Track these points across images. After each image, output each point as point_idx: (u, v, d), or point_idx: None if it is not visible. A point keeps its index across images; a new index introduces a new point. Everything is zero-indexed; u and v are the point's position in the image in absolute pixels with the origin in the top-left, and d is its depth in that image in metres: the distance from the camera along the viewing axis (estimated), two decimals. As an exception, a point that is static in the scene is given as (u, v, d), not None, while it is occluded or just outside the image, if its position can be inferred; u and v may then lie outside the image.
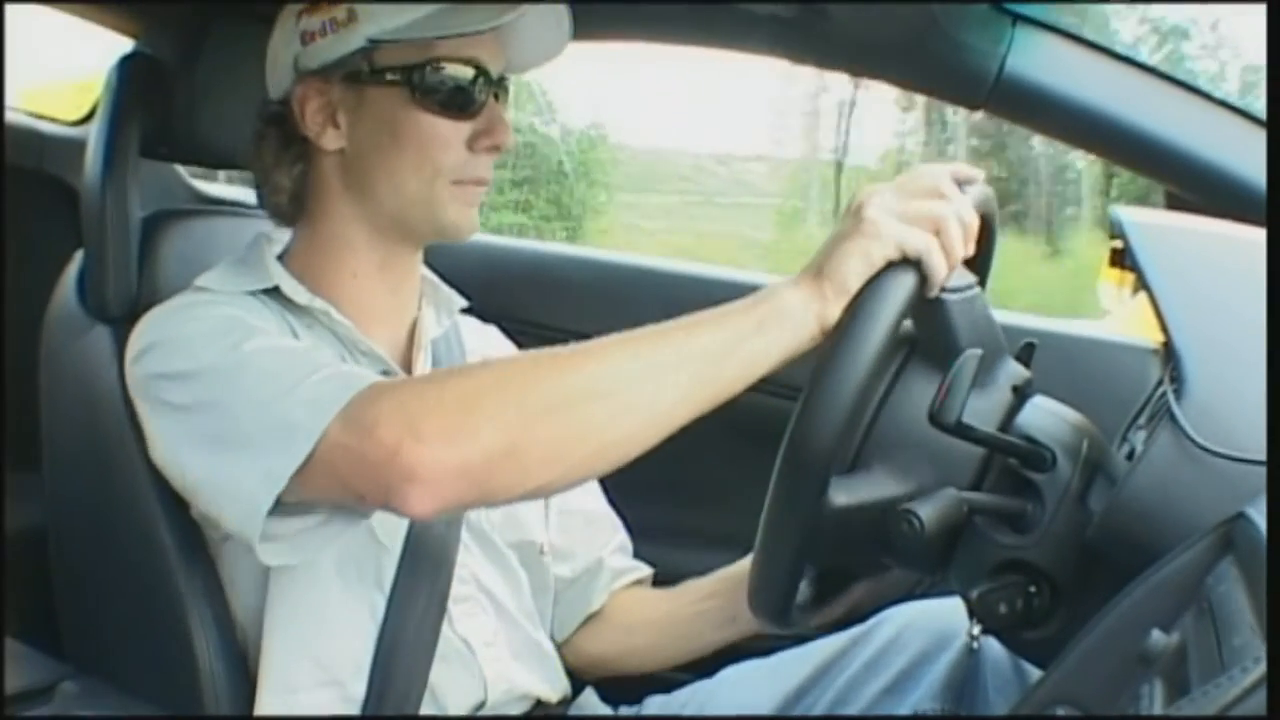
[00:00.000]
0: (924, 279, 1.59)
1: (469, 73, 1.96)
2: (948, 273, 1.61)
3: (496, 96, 2.01)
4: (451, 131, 1.95)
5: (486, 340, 2.34)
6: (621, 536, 2.40)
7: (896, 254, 1.58)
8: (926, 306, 1.66)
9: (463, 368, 1.92)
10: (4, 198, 2.80)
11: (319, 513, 1.77)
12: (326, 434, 1.66)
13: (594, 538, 2.35)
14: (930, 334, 1.70)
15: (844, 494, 1.61)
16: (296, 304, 1.99)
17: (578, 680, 2.25)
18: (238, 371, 1.77)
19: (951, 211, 1.60)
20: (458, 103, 1.95)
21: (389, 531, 1.95)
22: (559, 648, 2.30)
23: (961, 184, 1.67)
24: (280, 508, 1.71)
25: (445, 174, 1.96)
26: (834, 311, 1.59)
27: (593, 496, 2.36)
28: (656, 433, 1.64)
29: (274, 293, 2.00)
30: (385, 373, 2.00)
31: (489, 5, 1.93)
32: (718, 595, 2.23)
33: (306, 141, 2.01)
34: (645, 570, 2.41)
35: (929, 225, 1.59)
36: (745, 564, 2.05)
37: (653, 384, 1.61)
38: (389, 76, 1.94)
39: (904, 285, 1.58)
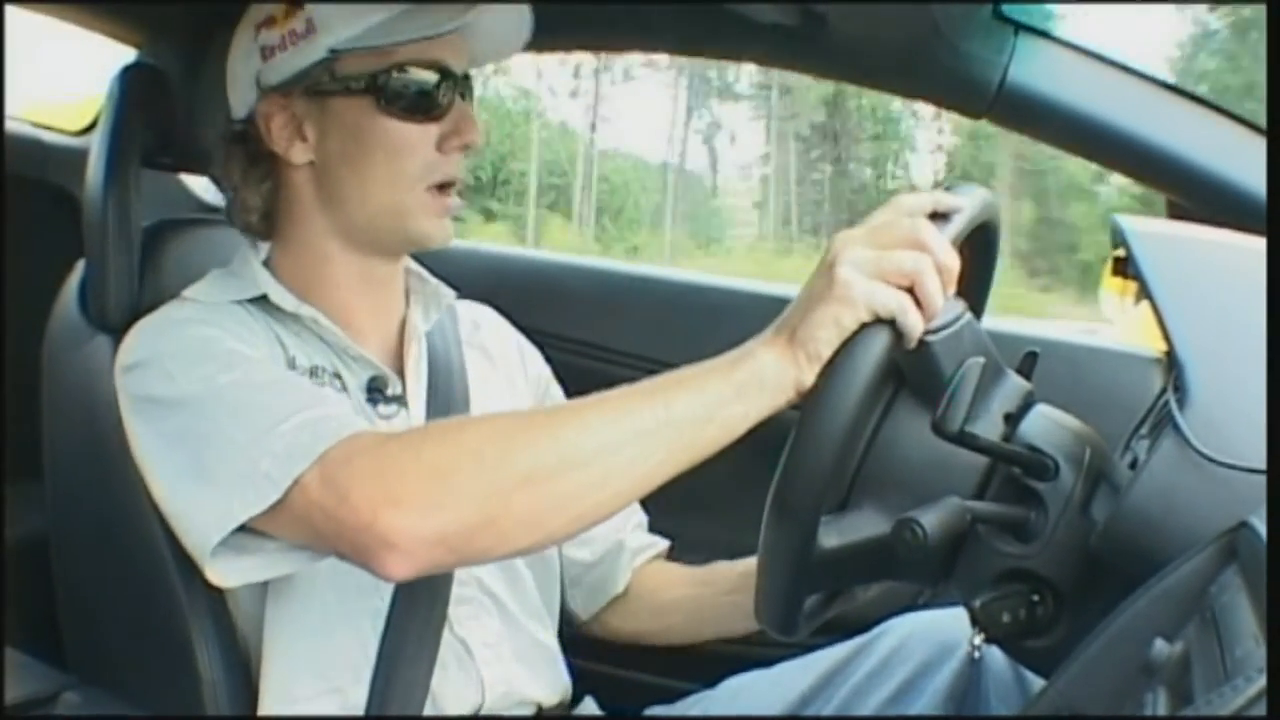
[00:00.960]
0: (900, 334, 1.57)
1: (432, 75, 1.96)
2: (926, 323, 1.59)
3: (463, 95, 2.00)
4: (419, 135, 1.95)
5: (479, 328, 2.33)
6: (639, 515, 2.40)
7: (869, 317, 1.55)
8: (909, 353, 1.65)
9: (438, 428, 1.86)
10: (4, 205, 2.80)
11: (275, 544, 1.77)
12: (301, 485, 1.65)
13: (614, 520, 2.33)
14: (916, 373, 1.69)
15: (834, 536, 1.63)
16: (284, 311, 1.99)
17: (577, 686, 2.25)
18: (212, 407, 1.77)
19: (928, 264, 1.56)
20: (423, 106, 1.95)
21: None
22: (585, 624, 2.32)
23: (942, 216, 1.64)
24: (247, 530, 1.71)
25: (416, 179, 1.96)
26: (808, 377, 1.57)
27: None
28: (633, 497, 1.65)
29: (261, 301, 2.00)
30: (376, 378, 2.02)
31: (447, 6, 1.93)
32: (744, 590, 2.23)
33: (274, 157, 2.01)
34: (663, 544, 2.42)
35: (904, 280, 1.55)
36: None
37: (630, 451, 1.60)
38: (352, 85, 1.94)
39: (877, 346, 1.56)
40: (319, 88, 1.95)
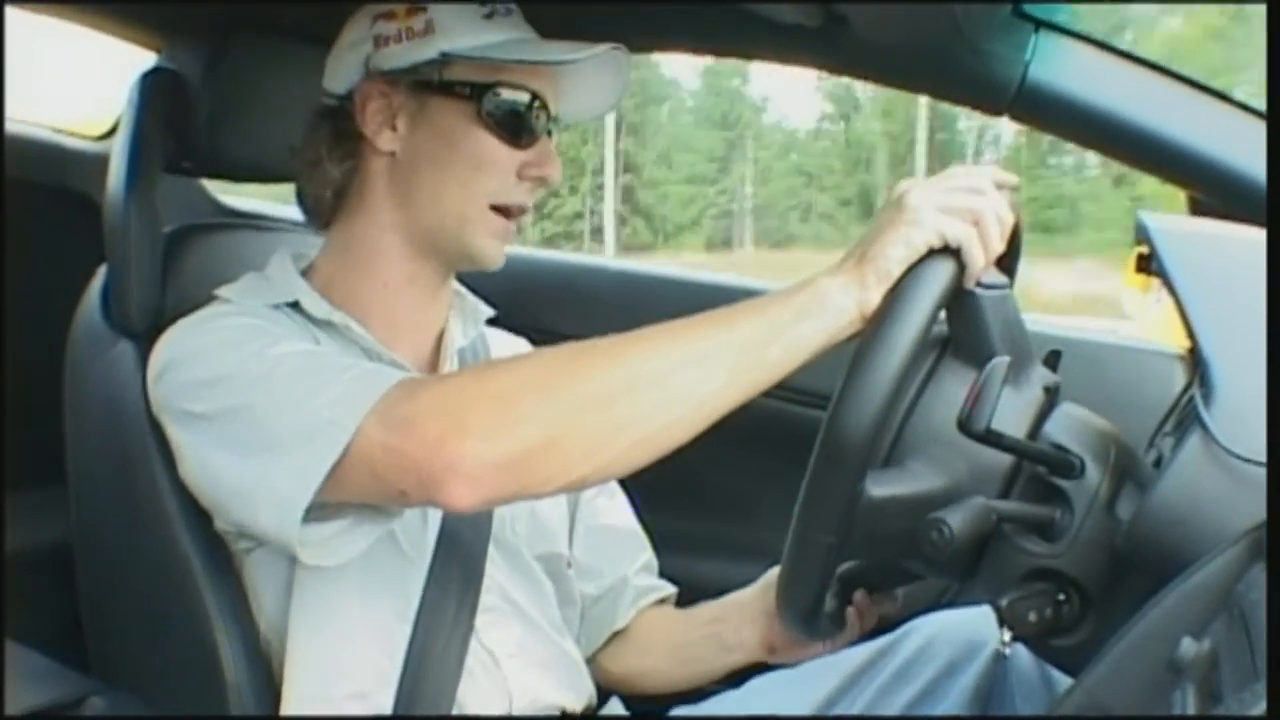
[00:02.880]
0: (962, 269, 1.62)
1: (534, 102, 1.99)
2: (984, 265, 1.63)
3: (550, 134, 2.03)
4: (506, 156, 1.98)
5: (515, 351, 2.33)
6: (647, 555, 2.40)
7: (938, 241, 1.61)
8: (961, 301, 1.67)
9: (502, 361, 1.94)
10: (4, 208, 2.80)
11: (347, 516, 1.78)
12: (362, 431, 1.66)
13: (620, 556, 2.35)
14: (964, 330, 1.70)
15: (879, 486, 1.62)
16: (317, 318, 1.99)
17: (603, 690, 2.25)
18: (265, 375, 1.77)
19: (990, 206, 1.64)
20: (517, 128, 1.98)
21: (415, 544, 1.96)
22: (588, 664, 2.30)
23: (998, 187, 1.69)
24: (309, 513, 1.71)
25: (489, 195, 1.98)
26: (874, 297, 1.62)
27: (621, 514, 2.37)
28: (699, 422, 1.65)
29: (295, 307, 2.00)
30: None
31: (562, 43, 1.96)
32: (722, 620, 2.24)
33: (360, 139, 2.02)
34: (669, 589, 2.41)
35: (968, 217, 1.63)
36: (752, 591, 2.09)
37: (694, 373, 1.62)
38: (457, 90, 1.96)
39: (943, 273, 1.60)
40: (425, 84, 1.98)
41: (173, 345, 1.90)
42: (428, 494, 1.64)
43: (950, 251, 1.62)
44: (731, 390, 1.63)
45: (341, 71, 2.05)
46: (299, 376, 1.76)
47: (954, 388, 1.67)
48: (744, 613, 2.19)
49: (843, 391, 1.54)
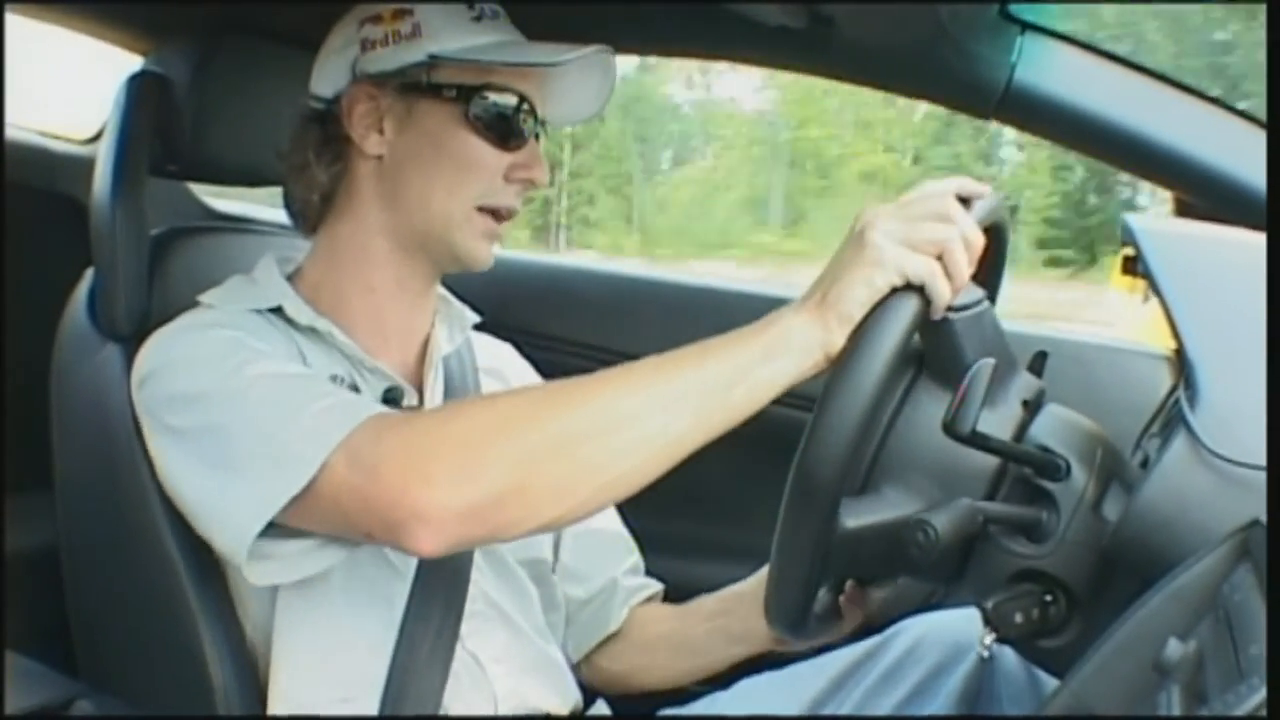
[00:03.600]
0: (928, 303, 1.59)
1: (521, 104, 1.99)
2: (951, 296, 1.61)
3: (537, 137, 2.04)
4: (493, 158, 1.97)
5: (498, 358, 2.34)
6: (635, 558, 2.40)
7: (900, 280, 1.58)
8: (933, 326, 1.66)
9: (467, 403, 1.91)
10: (4, 211, 2.80)
11: (312, 538, 1.79)
12: (329, 467, 1.66)
13: (608, 559, 2.35)
14: (938, 352, 1.70)
15: (854, 517, 1.63)
16: (300, 324, 1.99)
17: (590, 692, 2.25)
18: (239, 396, 1.77)
19: (956, 235, 1.60)
20: (504, 131, 1.98)
21: (390, 572, 1.96)
22: (576, 667, 2.30)
23: (968, 200, 1.67)
24: (275, 529, 1.72)
25: (476, 197, 1.98)
26: (838, 339, 1.59)
27: (607, 517, 2.36)
28: (665, 463, 1.64)
29: (279, 312, 2.00)
30: (392, 389, 2.01)
31: (550, 45, 1.96)
32: (728, 613, 2.23)
33: (347, 142, 2.02)
34: (657, 586, 2.41)
35: (933, 250, 1.59)
36: (754, 581, 2.08)
37: (660, 416, 1.62)
38: (445, 92, 1.96)
39: (907, 312, 1.58)
40: (412, 87, 1.97)
41: (154, 354, 1.90)
42: (393, 538, 1.64)
43: (915, 288, 1.59)
44: (697, 432, 1.63)
45: (329, 75, 2.04)
46: (272, 401, 1.75)
47: (930, 409, 1.67)
48: (750, 604, 2.17)
49: (809, 436, 1.54)
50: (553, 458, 1.60)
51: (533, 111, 2.01)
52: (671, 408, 1.61)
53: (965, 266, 1.60)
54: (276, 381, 1.79)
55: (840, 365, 1.56)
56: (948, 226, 1.60)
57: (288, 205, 2.09)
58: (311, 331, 1.99)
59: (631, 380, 1.64)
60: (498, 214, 2.01)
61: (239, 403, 1.76)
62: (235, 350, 1.83)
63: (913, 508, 1.63)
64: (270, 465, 1.70)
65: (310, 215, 2.07)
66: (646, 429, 1.61)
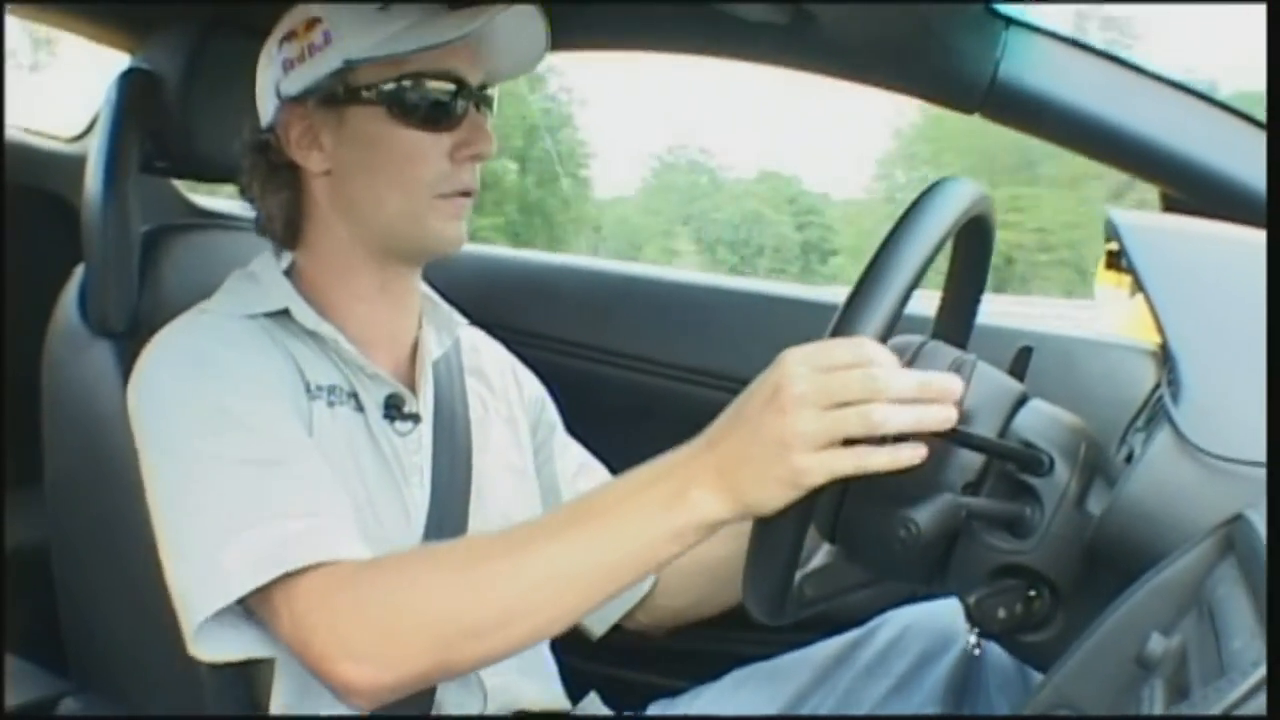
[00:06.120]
0: None
1: (446, 85, 1.96)
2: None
3: (478, 106, 2.01)
4: (431, 144, 1.95)
5: (478, 352, 2.32)
6: None
7: (827, 480, 1.52)
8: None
9: (388, 577, 1.75)
10: (4, 210, 2.80)
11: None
12: (264, 596, 1.71)
13: None
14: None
15: (812, 588, 1.71)
16: (303, 327, 1.98)
17: (581, 685, 2.25)
18: (199, 481, 1.78)
19: (896, 416, 1.51)
20: (436, 116, 1.95)
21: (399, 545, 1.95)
22: (616, 627, 2.31)
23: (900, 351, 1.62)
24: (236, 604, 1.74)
25: (428, 188, 1.96)
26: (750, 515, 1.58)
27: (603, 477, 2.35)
28: (573, 621, 1.70)
29: (280, 315, 1.99)
30: (393, 395, 2.02)
31: (457, 18, 1.93)
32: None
33: (294, 167, 2.01)
34: None
35: (872, 434, 1.51)
36: None
37: (572, 599, 1.65)
38: (365, 95, 1.94)
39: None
40: (333, 98, 1.95)
41: (150, 370, 1.90)
42: (328, 683, 1.70)
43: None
44: (603, 596, 1.67)
45: (263, 103, 2.04)
46: (229, 498, 1.76)
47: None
48: None
49: (745, 575, 1.60)
50: (470, 642, 1.66)
51: (462, 85, 1.98)
52: (584, 589, 1.64)
53: (900, 426, 1.52)
54: (239, 470, 1.78)
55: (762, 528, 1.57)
56: (881, 408, 1.50)
57: (259, 230, 2.08)
58: (312, 336, 1.99)
59: (547, 564, 1.64)
60: (458, 195, 1.99)
61: (198, 487, 1.78)
62: (211, 410, 1.82)
63: (867, 578, 1.67)
64: (206, 570, 1.73)
65: (282, 238, 2.06)
66: (559, 611, 1.66)
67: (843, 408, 1.49)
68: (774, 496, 1.53)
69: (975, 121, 2.40)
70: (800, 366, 1.51)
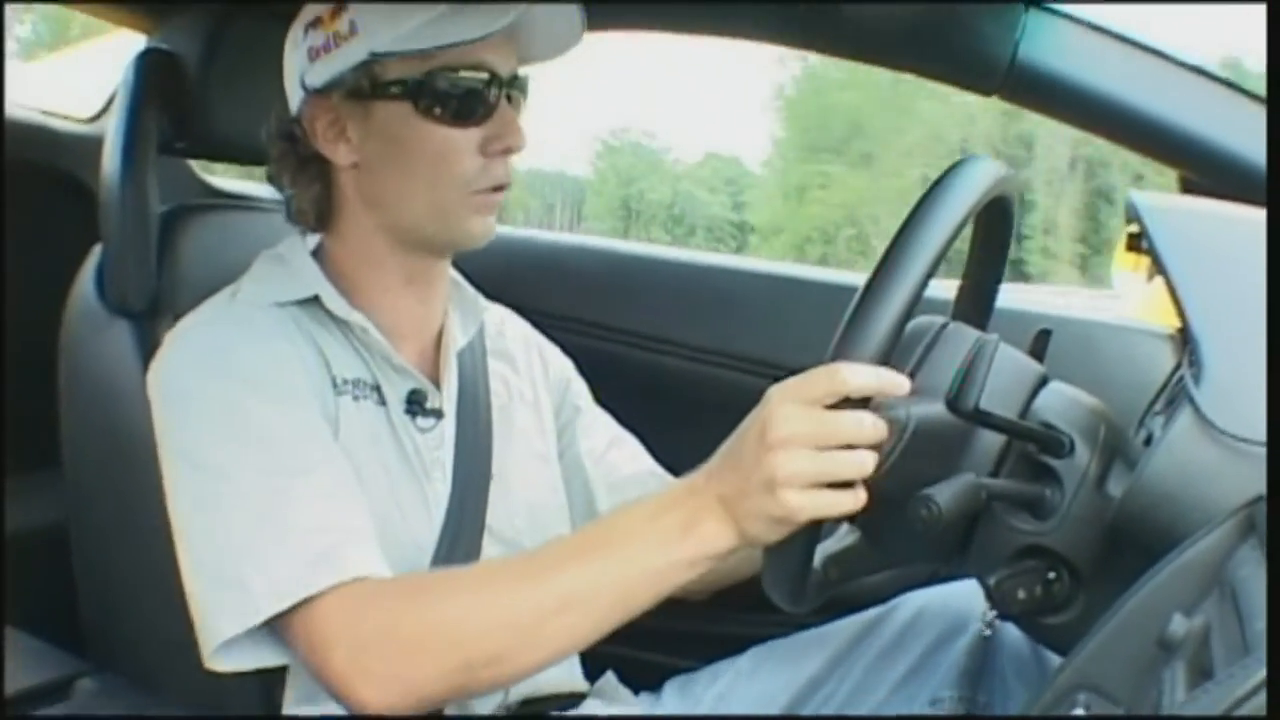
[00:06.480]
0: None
1: (474, 79, 1.91)
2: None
3: (509, 98, 1.96)
4: (461, 139, 1.91)
5: (503, 335, 2.30)
6: (672, 483, 2.33)
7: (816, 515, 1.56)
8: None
9: (415, 599, 1.76)
10: (4, 193, 2.80)
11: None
12: (284, 621, 1.72)
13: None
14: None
15: (834, 570, 1.73)
16: (332, 315, 1.97)
17: (599, 666, 2.24)
18: (227, 496, 1.78)
19: (865, 462, 1.54)
20: (464, 111, 1.91)
21: (418, 536, 1.96)
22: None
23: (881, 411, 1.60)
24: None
25: (461, 184, 1.92)
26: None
27: (638, 459, 2.34)
28: (587, 645, 1.73)
29: (309, 302, 1.97)
30: (415, 391, 2.01)
31: (488, 8, 1.88)
32: None
33: (323, 159, 1.98)
34: None
35: (856, 476, 1.54)
36: None
37: (587, 628, 1.68)
38: (392, 90, 1.90)
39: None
40: (358, 92, 1.92)
41: (174, 365, 1.89)
42: (345, 703, 1.71)
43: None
44: (617, 622, 1.69)
45: (291, 92, 2.01)
46: (253, 516, 1.76)
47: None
48: None
49: (765, 561, 1.62)
50: (493, 667, 1.68)
51: (492, 76, 1.92)
52: (602, 617, 1.67)
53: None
54: (266, 483, 1.78)
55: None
56: (863, 456, 1.54)
57: (288, 218, 2.06)
58: (340, 324, 1.98)
59: (569, 596, 1.66)
60: (491, 190, 1.96)
61: (224, 504, 1.78)
62: (234, 412, 1.81)
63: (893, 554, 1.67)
64: (228, 590, 1.74)
65: (312, 223, 2.04)
66: (574, 639, 1.70)
67: (834, 451, 1.53)
68: (770, 531, 1.57)
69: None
70: (786, 406, 1.54)
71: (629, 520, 1.68)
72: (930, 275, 1.53)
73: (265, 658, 1.78)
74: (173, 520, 1.82)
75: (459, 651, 1.66)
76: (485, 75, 1.92)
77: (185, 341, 1.91)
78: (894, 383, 1.53)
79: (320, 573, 1.70)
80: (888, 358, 1.52)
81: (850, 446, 1.52)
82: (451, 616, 1.69)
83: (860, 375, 1.50)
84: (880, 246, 1.55)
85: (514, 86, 1.97)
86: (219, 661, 1.75)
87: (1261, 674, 0.93)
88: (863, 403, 1.52)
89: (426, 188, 1.92)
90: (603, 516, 1.77)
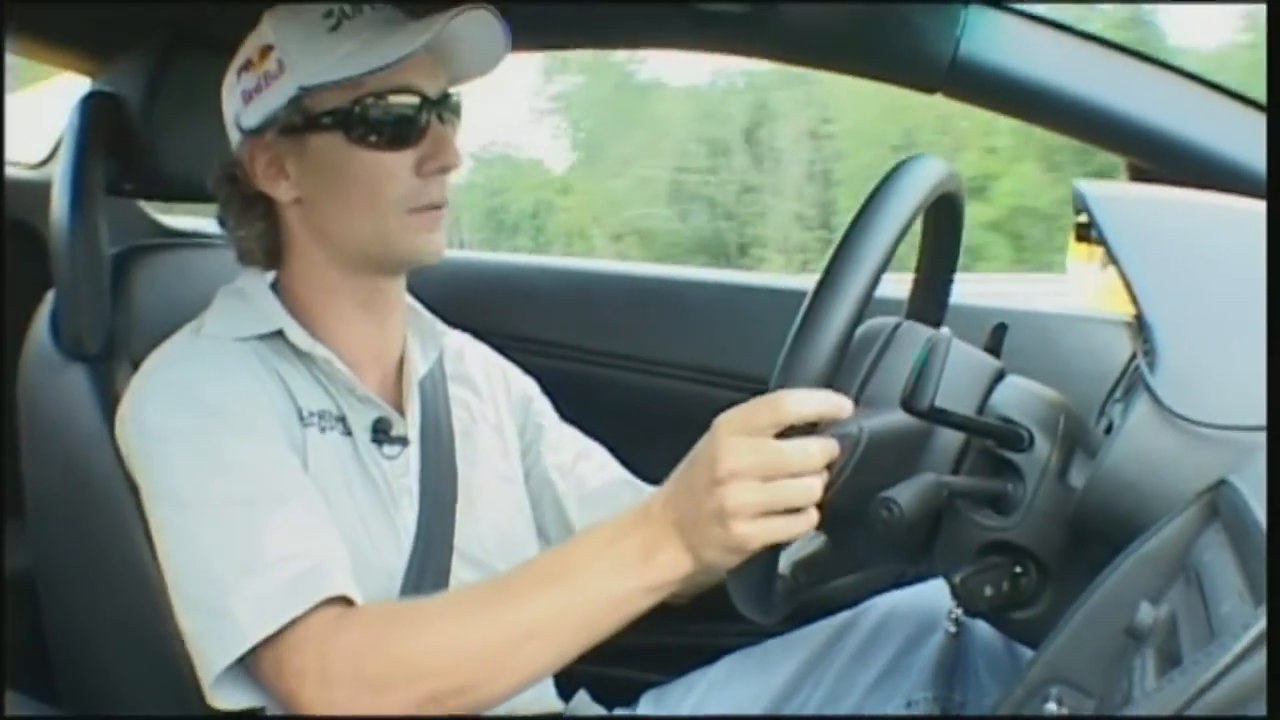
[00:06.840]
0: None
1: (403, 103, 1.92)
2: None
3: (441, 118, 1.96)
4: (395, 162, 1.92)
5: (461, 359, 2.29)
6: (648, 490, 2.25)
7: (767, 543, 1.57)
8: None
9: (385, 618, 1.79)
10: (3, 209, 2.79)
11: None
12: (258, 655, 1.72)
13: (628, 506, 2.31)
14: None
15: (803, 575, 1.74)
16: (295, 348, 1.97)
17: (570, 685, 2.24)
18: (198, 530, 1.79)
19: (813, 489, 1.55)
20: (396, 134, 1.92)
21: (388, 560, 1.96)
22: None
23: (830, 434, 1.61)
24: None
25: (398, 205, 1.93)
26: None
27: (606, 469, 2.34)
28: (553, 672, 1.77)
29: (272, 336, 1.97)
30: (381, 419, 2.01)
31: (407, 29, 1.91)
32: None
33: (267, 197, 1.99)
34: None
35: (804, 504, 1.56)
36: None
37: (553, 650, 1.69)
38: (324, 121, 1.91)
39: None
40: (291, 127, 1.93)
41: (144, 404, 1.89)
42: None
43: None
44: (579, 650, 1.70)
45: (230, 134, 2.02)
46: (240, 544, 1.76)
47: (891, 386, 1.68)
48: None
49: (730, 576, 1.61)
50: (459, 696, 1.69)
51: (422, 98, 1.94)
52: (565, 647, 1.69)
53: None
54: (235, 523, 1.78)
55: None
56: (805, 488, 1.55)
57: (240, 260, 2.06)
58: (304, 358, 1.98)
59: (523, 617, 1.68)
60: (429, 209, 1.96)
61: (202, 532, 1.78)
62: (205, 447, 1.82)
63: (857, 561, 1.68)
64: (214, 620, 1.75)
65: (264, 264, 2.05)
66: (538, 667, 1.71)
67: (782, 480, 1.53)
68: (725, 558, 1.59)
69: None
70: (732, 438, 1.55)
71: (587, 546, 1.69)
72: (873, 288, 1.53)
73: (262, 694, 1.79)
74: (160, 559, 1.83)
75: (426, 684, 1.67)
76: (415, 98, 1.93)
77: (153, 380, 1.91)
78: (837, 406, 1.54)
79: (301, 595, 1.71)
80: (832, 378, 1.52)
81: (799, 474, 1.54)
82: (416, 650, 1.70)
83: (803, 403, 1.52)
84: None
85: (444, 106, 1.98)
86: (219, 699, 1.76)
87: (1228, 658, 0.93)
88: (811, 426, 1.53)
89: (366, 213, 1.93)
90: (563, 543, 1.76)
